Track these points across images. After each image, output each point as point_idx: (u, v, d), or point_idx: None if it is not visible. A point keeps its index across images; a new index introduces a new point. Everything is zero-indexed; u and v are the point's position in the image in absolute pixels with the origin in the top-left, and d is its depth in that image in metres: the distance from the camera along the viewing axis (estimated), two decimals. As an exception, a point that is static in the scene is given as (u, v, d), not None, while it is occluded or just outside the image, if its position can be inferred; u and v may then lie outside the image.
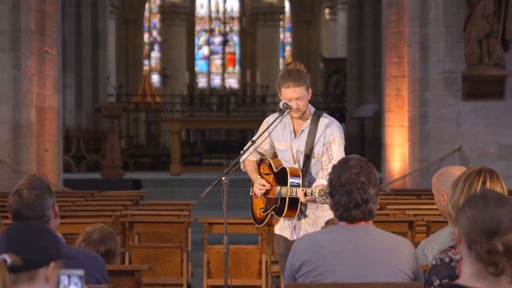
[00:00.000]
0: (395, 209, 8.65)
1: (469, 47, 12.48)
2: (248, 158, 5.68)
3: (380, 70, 15.67)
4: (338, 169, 3.65)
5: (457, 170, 4.20)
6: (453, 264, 3.57)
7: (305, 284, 3.63)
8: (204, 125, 20.70)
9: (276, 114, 5.58)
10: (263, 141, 5.60)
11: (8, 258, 2.58)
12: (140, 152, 21.37)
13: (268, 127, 5.49)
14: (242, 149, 5.67)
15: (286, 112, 5.42)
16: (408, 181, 13.21)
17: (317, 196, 5.20)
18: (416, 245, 4.21)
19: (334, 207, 3.66)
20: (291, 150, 5.52)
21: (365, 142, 19.00)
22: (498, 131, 12.78)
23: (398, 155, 13.38)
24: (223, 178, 5.32)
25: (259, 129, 5.67)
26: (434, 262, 3.61)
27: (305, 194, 5.26)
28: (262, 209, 5.60)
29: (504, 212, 2.65)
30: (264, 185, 5.52)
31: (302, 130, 5.50)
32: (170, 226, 7.91)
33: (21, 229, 2.69)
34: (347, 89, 21.14)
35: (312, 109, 5.55)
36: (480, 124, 12.79)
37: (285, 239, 5.57)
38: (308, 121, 5.50)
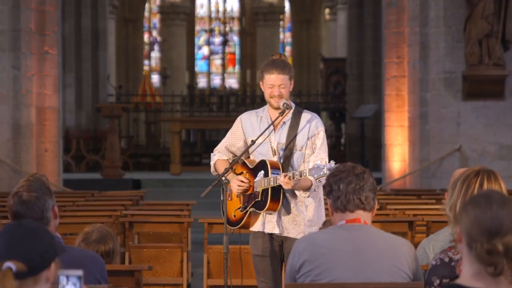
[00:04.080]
0: (395, 209, 8.65)
1: (469, 47, 12.48)
2: (220, 158, 5.57)
3: (380, 70, 15.68)
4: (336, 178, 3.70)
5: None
6: (453, 264, 3.57)
7: (305, 284, 3.63)
8: (204, 125, 20.71)
9: (251, 112, 5.59)
10: (237, 139, 5.54)
11: (13, 266, 2.60)
12: (140, 152, 21.39)
13: (268, 126, 5.44)
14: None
15: (286, 112, 5.41)
16: (408, 181, 13.21)
17: (307, 175, 5.04)
18: (416, 245, 4.21)
19: (332, 199, 3.68)
20: (270, 142, 5.43)
21: (365, 142, 19.00)
22: (498, 131, 12.78)
23: (398, 155, 13.38)
24: (223, 178, 5.30)
25: (233, 126, 5.58)
26: (434, 262, 3.61)
27: (290, 178, 5.10)
28: (240, 209, 5.44)
29: (506, 213, 2.65)
30: (243, 181, 5.36)
31: (284, 122, 5.43)
32: (170, 226, 7.90)
33: (21, 234, 2.70)
34: (347, 89, 21.14)
35: (292, 104, 5.52)
36: (480, 124, 12.79)
37: (263, 238, 5.43)
38: (290, 114, 5.45)
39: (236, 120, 5.62)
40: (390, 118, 13.45)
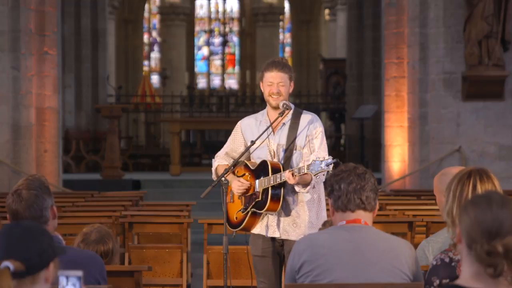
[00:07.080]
0: (395, 210, 8.65)
1: (468, 47, 12.48)
2: (220, 163, 5.57)
3: (380, 71, 15.67)
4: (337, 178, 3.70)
5: (458, 171, 4.17)
6: (453, 264, 3.57)
7: (305, 285, 3.62)
8: (203, 126, 20.72)
9: (250, 116, 5.62)
10: (237, 144, 5.56)
11: (11, 265, 2.59)
12: (139, 153, 21.38)
13: (266, 129, 5.43)
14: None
15: (285, 113, 5.41)
16: (407, 181, 13.21)
17: (306, 171, 5.05)
18: (415, 245, 4.21)
19: (333, 198, 3.67)
20: (268, 146, 5.44)
21: (365, 143, 18.99)
22: (497, 131, 12.77)
23: (397, 156, 13.37)
24: (223, 178, 5.29)
25: (233, 132, 5.61)
26: (434, 263, 3.61)
27: (293, 175, 5.13)
28: (241, 210, 5.45)
29: (506, 214, 2.65)
30: (242, 183, 5.38)
31: (284, 124, 5.44)
32: (170, 226, 7.90)
33: (19, 234, 2.70)
34: (346, 90, 21.14)
35: (292, 105, 5.53)
36: (480, 124, 12.79)
37: (264, 239, 5.44)
38: (289, 115, 5.46)
39: (236, 126, 5.65)
40: (390, 119, 13.45)
